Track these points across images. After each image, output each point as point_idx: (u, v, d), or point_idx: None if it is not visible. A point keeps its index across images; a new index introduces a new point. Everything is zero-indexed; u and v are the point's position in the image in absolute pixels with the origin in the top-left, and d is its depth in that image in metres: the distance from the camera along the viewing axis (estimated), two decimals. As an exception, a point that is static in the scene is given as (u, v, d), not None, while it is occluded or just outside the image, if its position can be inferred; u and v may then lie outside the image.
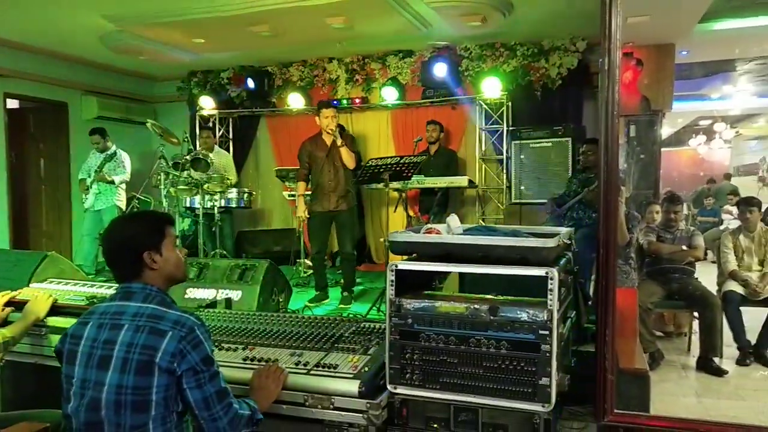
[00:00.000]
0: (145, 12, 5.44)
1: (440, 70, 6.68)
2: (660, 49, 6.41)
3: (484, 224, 2.40)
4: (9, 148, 6.85)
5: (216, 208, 6.14)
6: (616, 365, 1.95)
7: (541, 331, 1.89)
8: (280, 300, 4.54)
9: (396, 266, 2.07)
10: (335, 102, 6.93)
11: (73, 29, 6.01)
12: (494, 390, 1.94)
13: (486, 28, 6.09)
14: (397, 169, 4.58)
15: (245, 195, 6.44)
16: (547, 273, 1.89)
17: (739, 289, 4.68)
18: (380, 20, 5.80)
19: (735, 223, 10.37)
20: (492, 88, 6.54)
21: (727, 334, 4.49)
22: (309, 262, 6.62)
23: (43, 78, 7.09)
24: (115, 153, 6.52)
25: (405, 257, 2.24)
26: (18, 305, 2.57)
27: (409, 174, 4.76)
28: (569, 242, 2.15)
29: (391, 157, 4.66)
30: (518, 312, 1.92)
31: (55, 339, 2.47)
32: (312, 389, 2.07)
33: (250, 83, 7.45)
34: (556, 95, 6.65)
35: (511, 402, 1.91)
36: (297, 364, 2.19)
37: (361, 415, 1.98)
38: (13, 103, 7.15)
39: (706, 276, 4.86)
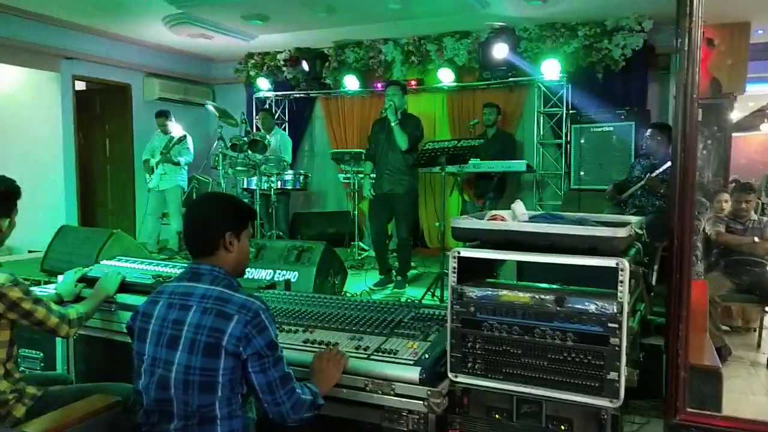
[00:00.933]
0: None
1: (499, 52, 6.53)
2: (733, 27, 6.07)
3: (548, 211, 2.33)
4: (77, 129, 7.12)
5: (273, 190, 6.22)
6: (687, 361, 1.87)
7: (610, 324, 1.82)
8: (336, 282, 4.57)
9: (459, 253, 2.04)
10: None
11: (136, 11, 6.16)
12: (559, 383, 1.89)
13: (547, 8, 5.91)
14: (454, 152, 4.51)
15: (301, 177, 6.49)
16: (617, 264, 1.81)
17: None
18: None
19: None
20: (551, 70, 6.36)
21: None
22: (363, 245, 6.67)
23: (108, 60, 7.32)
24: (184, 137, 6.64)
25: (465, 243, 2.19)
26: (89, 282, 2.67)
27: (466, 158, 4.69)
28: (641, 232, 2.06)
29: (448, 141, 4.59)
30: (586, 303, 1.85)
31: (125, 315, 2.56)
32: (372, 374, 2.05)
33: (305, 65, 7.47)
34: (619, 77, 6.41)
35: (577, 396, 1.86)
36: (357, 349, 2.18)
37: (421, 402, 1.96)
38: (80, 85, 7.41)
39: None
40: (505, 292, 1.98)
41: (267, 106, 7.88)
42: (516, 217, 2.07)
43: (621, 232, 1.83)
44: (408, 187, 5.11)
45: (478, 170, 6.01)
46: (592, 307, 1.85)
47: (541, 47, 6.61)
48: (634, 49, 6.26)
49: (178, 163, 6.64)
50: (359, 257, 6.36)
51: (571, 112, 6.38)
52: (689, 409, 1.80)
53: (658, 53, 6.51)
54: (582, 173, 6.14)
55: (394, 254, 5.71)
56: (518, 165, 5.87)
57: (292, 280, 4.10)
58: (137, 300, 2.56)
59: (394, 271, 5.34)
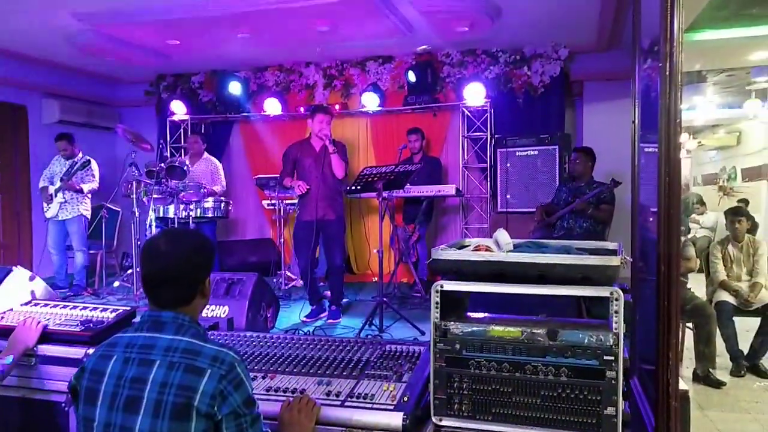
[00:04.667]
0: (121, 10, 5.10)
1: (422, 76, 6.56)
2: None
3: (530, 240, 2.25)
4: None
5: (191, 219, 5.84)
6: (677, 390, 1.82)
7: (605, 357, 1.75)
8: (268, 315, 4.31)
9: (442, 286, 1.90)
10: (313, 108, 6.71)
11: (37, 27, 5.59)
12: (554, 421, 1.79)
13: (470, 34, 5.99)
14: (392, 178, 4.42)
15: (222, 204, 6.14)
16: (612, 293, 1.75)
17: (731, 299, 4.70)
18: (364, 23, 5.62)
19: (701, 233, 10.55)
20: (475, 95, 6.45)
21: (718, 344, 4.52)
22: (290, 274, 6.40)
23: (-1, 79, 6.65)
24: (88, 161, 6.05)
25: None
26: (2, 331, 2.28)
27: (403, 183, 4.62)
28: (629, 259, 2.03)
29: (386, 166, 4.49)
30: (580, 336, 1.77)
31: (47, 370, 2.22)
32: (349, 423, 1.87)
33: (228, 88, 7.12)
34: (539, 103, 6.60)
35: (573, 434, 1.76)
36: (328, 395, 1.99)
37: (407, 450, 1.80)
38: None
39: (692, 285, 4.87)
40: (493, 326, 1.87)
41: (182, 130, 7.45)
42: (501, 247, 1.96)
43: (614, 261, 1.77)
44: (340, 212, 4.98)
45: (407, 195, 5.93)
46: (586, 340, 1.77)
47: (463, 72, 6.71)
48: (552, 76, 6.48)
49: (81, 191, 6.06)
50: (286, 287, 6.09)
51: (496, 136, 6.47)
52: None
53: (572, 80, 6.79)
54: (508, 196, 6.21)
55: (321, 284, 5.54)
56: (448, 189, 5.86)
57: (222, 315, 3.82)
58: (63, 351, 2.22)
59: (326, 301, 5.15)
